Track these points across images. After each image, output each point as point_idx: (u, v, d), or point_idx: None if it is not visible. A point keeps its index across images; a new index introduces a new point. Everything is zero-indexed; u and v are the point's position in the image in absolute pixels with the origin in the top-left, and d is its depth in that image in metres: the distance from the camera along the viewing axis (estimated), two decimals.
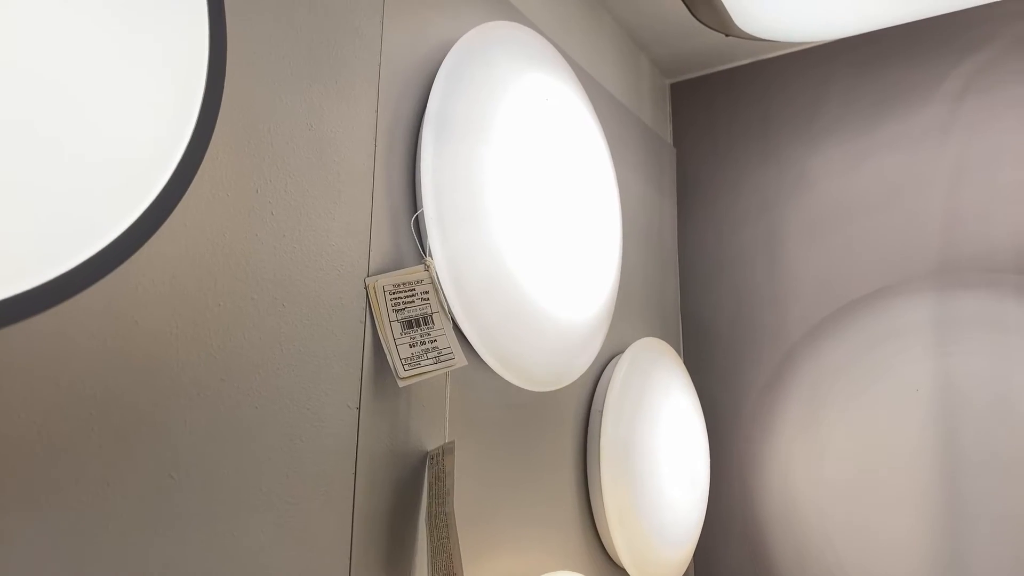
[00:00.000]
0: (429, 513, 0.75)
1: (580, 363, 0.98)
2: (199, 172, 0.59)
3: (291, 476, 0.64)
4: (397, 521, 0.74)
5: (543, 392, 0.98)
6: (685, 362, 1.54)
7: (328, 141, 0.72)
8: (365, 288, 0.74)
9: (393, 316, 0.75)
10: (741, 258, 1.51)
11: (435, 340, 0.76)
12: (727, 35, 1.49)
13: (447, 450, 0.76)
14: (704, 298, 1.55)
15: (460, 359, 0.77)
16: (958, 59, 1.35)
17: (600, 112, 1.27)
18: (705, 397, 1.49)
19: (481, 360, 0.84)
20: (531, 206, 0.87)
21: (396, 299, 0.75)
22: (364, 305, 0.73)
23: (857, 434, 1.34)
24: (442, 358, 0.76)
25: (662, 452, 1.13)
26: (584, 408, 1.10)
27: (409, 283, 0.76)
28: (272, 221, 0.65)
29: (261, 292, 0.63)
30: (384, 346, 0.74)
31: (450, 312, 0.78)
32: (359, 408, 0.72)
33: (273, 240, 0.65)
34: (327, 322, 0.69)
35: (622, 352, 1.16)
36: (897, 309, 1.35)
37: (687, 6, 1.26)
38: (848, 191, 1.42)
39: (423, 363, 0.75)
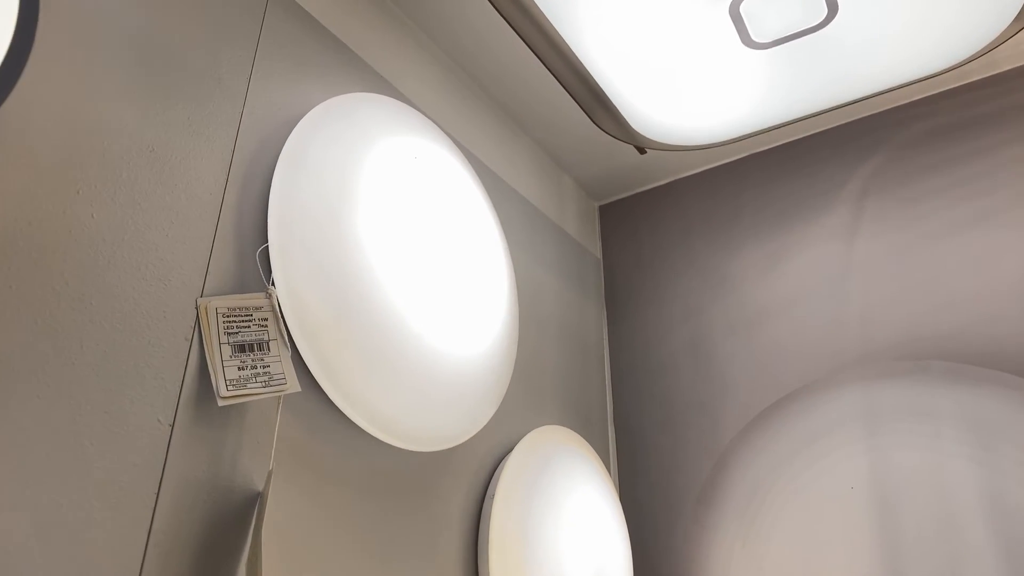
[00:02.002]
0: (251, 557, 0.69)
1: (455, 423, 0.93)
2: (6, 163, 0.61)
3: (70, 479, 0.60)
4: (207, 558, 0.68)
5: (426, 461, 0.93)
6: (618, 476, 1.46)
7: (171, 167, 0.75)
8: (196, 308, 0.73)
9: (224, 339, 0.73)
10: (669, 364, 1.49)
11: (268, 365, 0.74)
12: (641, 152, 1.58)
13: (268, 477, 0.71)
14: (634, 406, 1.50)
15: (293, 385, 0.74)
16: (855, 164, 1.41)
17: (507, 206, 1.32)
18: (637, 514, 1.40)
19: (344, 417, 0.80)
20: (394, 247, 0.88)
21: (230, 322, 0.74)
22: (193, 324, 0.72)
23: (795, 543, 1.23)
24: (272, 382, 0.74)
25: (564, 542, 1.04)
26: (478, 492, 1.03)
27: (247, 308, 0.76)
28: (92, 223, 0.66)
29: (65, 286, 0.63)
30: (209, 366, 0.71)
31: (290, 342, 0.76)
32: (172, 425, 0.68)
33: (90, 242, 0.66)
34: (144, 331, 0.68)
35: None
36: (825, 405, 1.30)
37: (588, 115, 1.35)
38: (768, 292, 1.42)
39: (249, 385, 0.72)
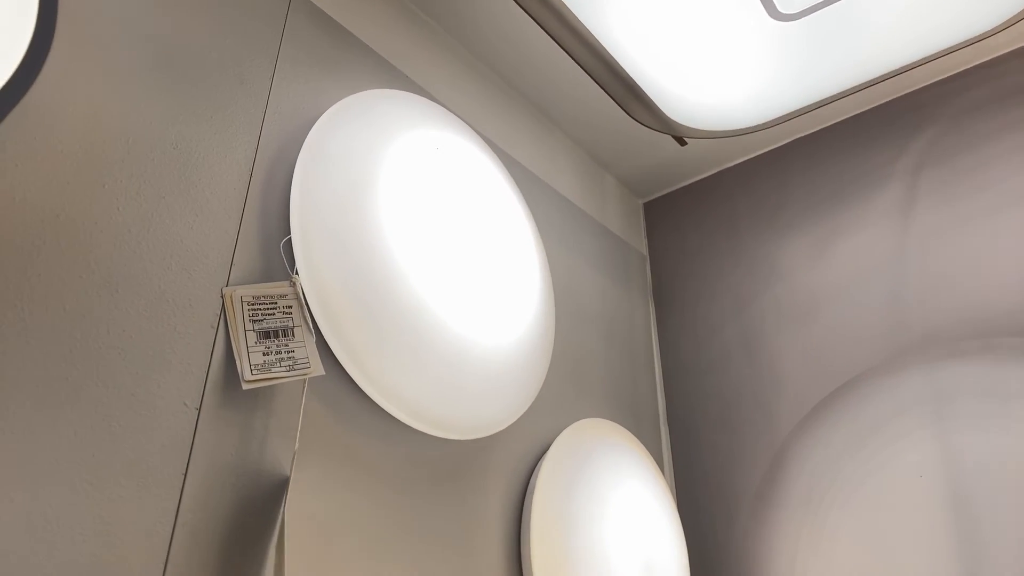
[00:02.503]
0: (279, 539, 0.70)
1: (486, 412, 0.92)
2: (34, 156, 0.64)
3: (98, 456, 0.62)
4: (236, 539, 0.68)
5: (462, 451, 0.92)
6: (673, 474, 1.42)
7: (195, 163, 0.77)
8: (222, 296, 0.75)
9: (249, 326, 0.75)
10: (721, 359, 1.44)
11: (292, 351, 0.75)
12: (681, 143, 1.56)
13: (292, 459, 0.72)
14: (688, 404, 1.46)
15: (317, 368, 0.75)
16: (907, 138, 1.35)
17: (546, 204, 1.31)
18: (694, 512, 1.35)
19: (373, 403, 0.80)
20: (417, 236, 0.88)
21: (255, 310, 0.76)
22: (219, 312, 0.74)
23: (863, 537, 1.17)
24: (297, 366, 0.74)
25: (610, 536, 1.01)
26: (519, 484, 1.02)
27: (271, 296, 0.77)
28: (117, 215, 0.69)
29: (90, 273, 0.66)
30: (235, 352, 0.73)
31: (314, 328, 0.77)
32: (199, 409, 0.70)
33: (116, 233, 0.68)
34: (169, 318, 0.70)
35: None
36: (887, 391, 1.24)
37: (622, 107, 1.33)
38: (819, 278, 1.37)
39: (274, 369, 0.73)
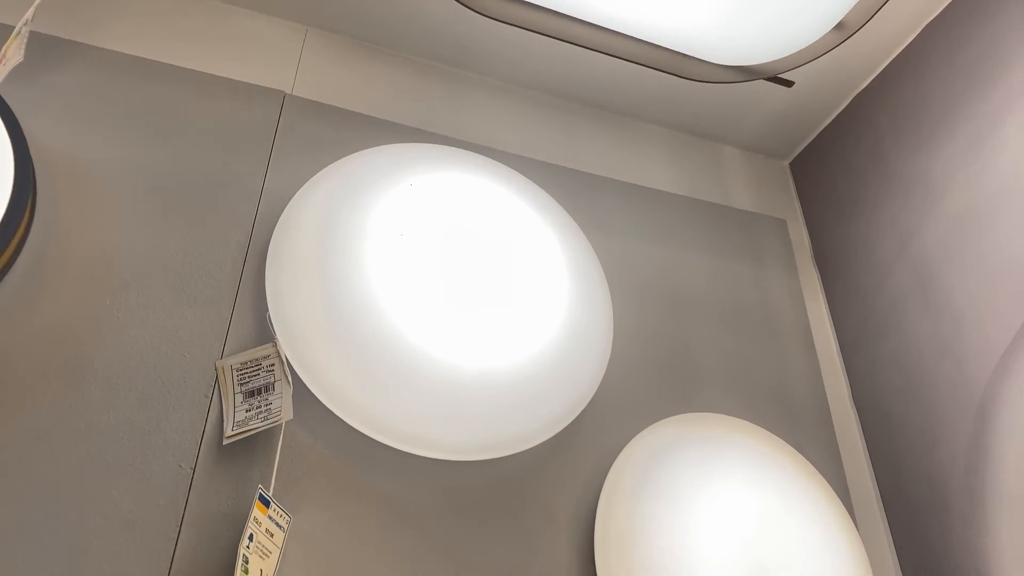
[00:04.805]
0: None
1: (506, 428, 0.88)
2: (47, 281, 0.83)
3: (100, 520, 0.74)
4: None
5: (502, 471, 0.90)
6: (872, 464, 1.16)
7: (189, 265, 0.91)
8: (215, 369, 0.86)
9: (237, 388, 0.84)
10: (893, 314, 1.17)
11: (270, 403, 0.83)
12: (787, 83, 1.37)
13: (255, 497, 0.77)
14: (869, 380, 1.20)
15: (287, 414, 0.81)
16: None
17: (630, 202, 1.24)
18: (897, 502, 1.10)
19: (371, 440, 0.84)
20: (397, 273, 0.91)
21: (242, 374, 0.85)
22: (212, 382, 0.85)
23: None
24: (271, 416, 0.81)
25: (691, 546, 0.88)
26: (586, 500, 0.94)
27: (256, 359, 0.86)
28: (117, 322, 0.85)
29: (93, 372, 0.81)
30: (224, 415, 0.83)
31: (293, 378, 0.84)
32: (193, 469, 0.80)
33: (117, 335, 0.84)
34: (166, 396, 0.83)
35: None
36: None
37: (697, 80, 1.21)
38: (981, 184, 1.06)
39: (251, 423, 0.81)
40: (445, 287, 0.92)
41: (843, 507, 1.02)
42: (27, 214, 0.83)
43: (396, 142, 1.09)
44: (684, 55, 1.20)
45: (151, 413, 0.81)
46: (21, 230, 0.82)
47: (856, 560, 0.95)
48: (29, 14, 0.75)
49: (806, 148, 1.46)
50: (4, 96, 0.85)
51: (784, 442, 1.04)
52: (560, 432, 0.92)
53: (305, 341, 0.86)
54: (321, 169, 1.00)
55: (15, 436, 0.76)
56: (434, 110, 1.20)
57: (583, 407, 0.95)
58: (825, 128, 1.40)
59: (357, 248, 0.89)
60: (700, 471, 0.94)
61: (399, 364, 0.85)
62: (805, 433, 1.13)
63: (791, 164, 1.50)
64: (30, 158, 0.84)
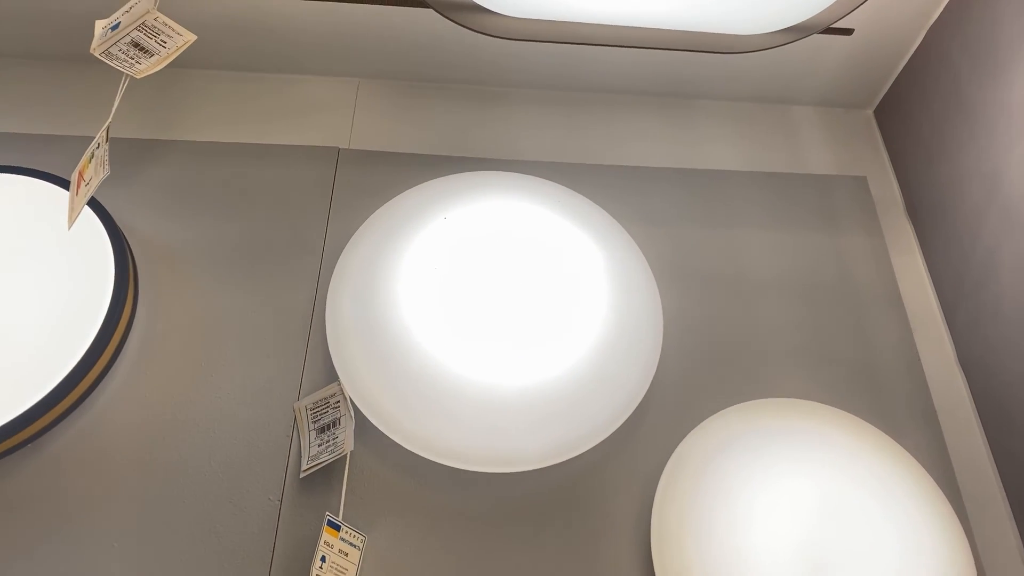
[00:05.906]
0: None
1: (547, 437, 0.93)
2: (150, 366, 0.99)
3: (205, 552, 0.88)
4: None
5: (551, 480, 0.95)
6: (996, 462, 1.07)
7: (263, 320, 1.04)
8: (293, 411, 0.98)
9: (311, 426, 0.96)
10: (992, 267, 1.07)
11: (336, 436, 0.93)
12: (845, 32, 1.29)
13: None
14: (978, 347, 1.10)
15: (349, 446, 0.91)
16: None
17: (687, 188, 1.23)
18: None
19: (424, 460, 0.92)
20: (436, 306, 0.98)
21: (315, 413, 0.97)
22: (292, 423, 0.97)
23: None
24: (336, 448, 0.92)
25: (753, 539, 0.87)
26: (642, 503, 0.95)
27: (326, 398, 0.97)
28: (210, 381, 0.99)
29: (195, 433, 0.96)
30: (300, 451, 0.94)
31: (353, 411, 0.94)
32: (280, 500, 0.92)
33: (210, 391, 0.98)
34: (253, 440, 0.96)
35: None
36: None
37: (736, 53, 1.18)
38: None
39: (321, 456, 0.92)
40: (481, 314, 0.99)
41: (941, 493, 0.94)
42: (130, 298, 0.99)
43: (444, 174, 1.16)
44: (725, 35, 1.17)
45: (244, 454, 0.95)
46: (126, 317, 0.98)
47: (956, 560, 0.88)
48: (100, 137, 0.88)
49: (888, 93, 1.35)
50: (99, 198, 1.01)
51: (865, 423, 0.99)
52: (612, 435, 0.95)
53: (361, 380, 0.95)
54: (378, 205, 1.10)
55: (144, 481, 0.92)
56: (469, 133, 1.26)
57: (632, 409, 0.97)
58: (902, 70, 1.29)
59: (392, 291, 0.98)
60: (757, 461, 0.92)
61: (443, 391, 0.93)
62: (895, 407, 1.07)
63: (875, 112, 1.39)
64: (128, 250, 1.01)
